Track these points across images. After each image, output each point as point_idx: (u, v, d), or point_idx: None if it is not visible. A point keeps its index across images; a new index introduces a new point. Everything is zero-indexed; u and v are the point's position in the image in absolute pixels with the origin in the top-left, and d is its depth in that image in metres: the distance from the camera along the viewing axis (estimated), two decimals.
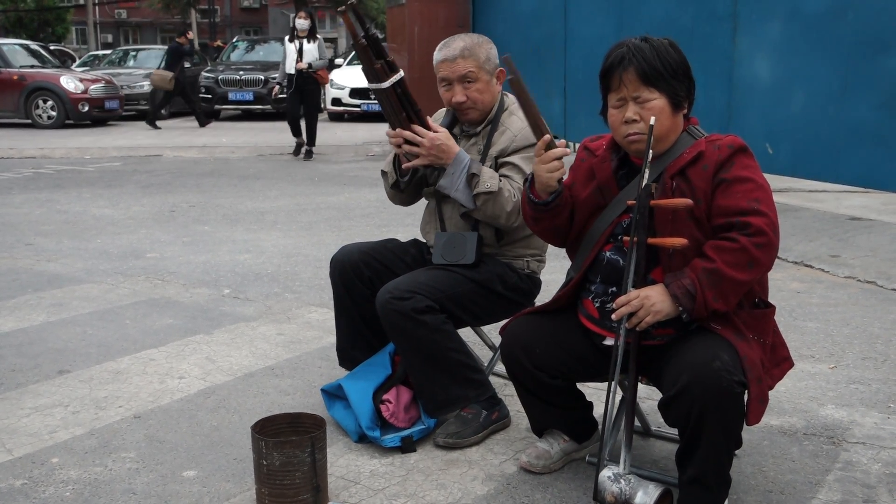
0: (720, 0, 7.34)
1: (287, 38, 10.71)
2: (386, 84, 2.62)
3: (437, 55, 2.81)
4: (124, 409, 3.00)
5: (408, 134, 2.68)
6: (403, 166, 2.79)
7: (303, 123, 10.89)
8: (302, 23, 10.45)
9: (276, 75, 10.82)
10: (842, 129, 6.39)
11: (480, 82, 2.78)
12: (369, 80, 2.66)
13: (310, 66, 10.34)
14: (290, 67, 10.43)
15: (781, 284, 4.54)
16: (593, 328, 2.31)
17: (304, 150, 10.93)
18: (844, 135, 6.38)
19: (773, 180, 5.05)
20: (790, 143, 6.87)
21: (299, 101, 10.67)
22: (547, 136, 2.25)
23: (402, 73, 2.65)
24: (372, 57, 2.60)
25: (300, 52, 10.37)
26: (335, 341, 3.05)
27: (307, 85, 10.50)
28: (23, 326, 3.93)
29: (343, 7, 2.56)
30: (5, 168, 9.97)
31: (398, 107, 2.68)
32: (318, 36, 10.73)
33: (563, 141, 2.29)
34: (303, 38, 10.43)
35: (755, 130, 6.99)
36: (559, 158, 2.25)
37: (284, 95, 10.74)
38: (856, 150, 6.29)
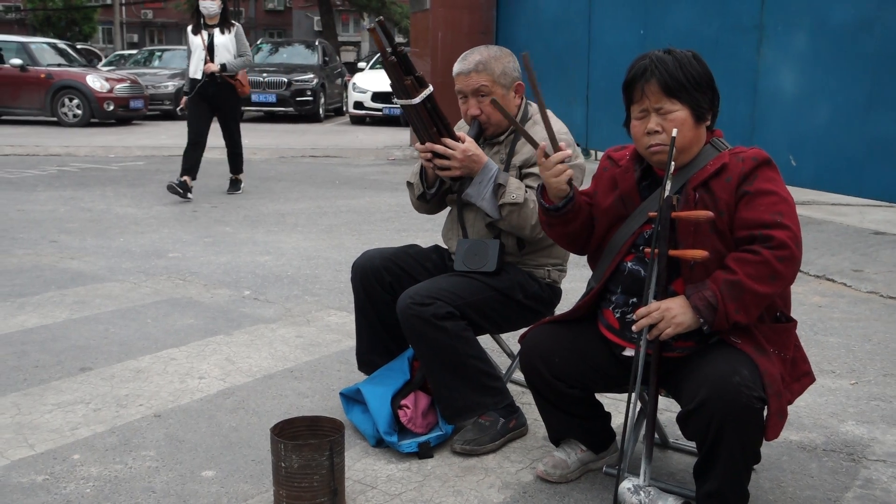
0: (746, 11, 7.32)
1: (190, 28, 7.55)
2: (417, 100, 2.63)
3: (455, 68, 2.83)
4: (145, 407, 3.03)
5: (439, 148, 2.69)
6: (440, 175, 2.79)
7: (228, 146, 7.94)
8: (210, 6, 7.33)
9: (186, 82, 7.69)
10: (866, 143, 6.35)
11: (495, 96, 2.78)
12: (398, 96, 2.66)
13: (224, 67, 7.32)
14: (196, 70, 7.40)
15: (803, 298, 4.51)
16: (613, 339, 2.31)
17: (230, 179, 8.07)
18: (869, 148, 6.34)
19: (796, 193, 5.02)
20: (814, 155, 6.83)
21: (207, 117, 7.53)
22: (542, 144, 2.26)
23: (431, 87, 2.67)
24: (401, 73, 2.61)
25: (210, 47, 7.36)
26: (354, 345, 3.06)
27: (221, 94, 7.43)
28: (46, 323, 3.97)
29: (371, 25, 2.58)
30: (31, 165, 10.08)
31: (428, 121, 2.69)
32: (236, 23, 7.58)
33: (563, 143, 2.29)
34: (213, 26, 7.40)
35: (779, 142, 6.96)
36: (562, 161, 2.26)
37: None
38: (880, 164, 6.25)
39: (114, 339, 3.77)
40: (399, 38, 42.60)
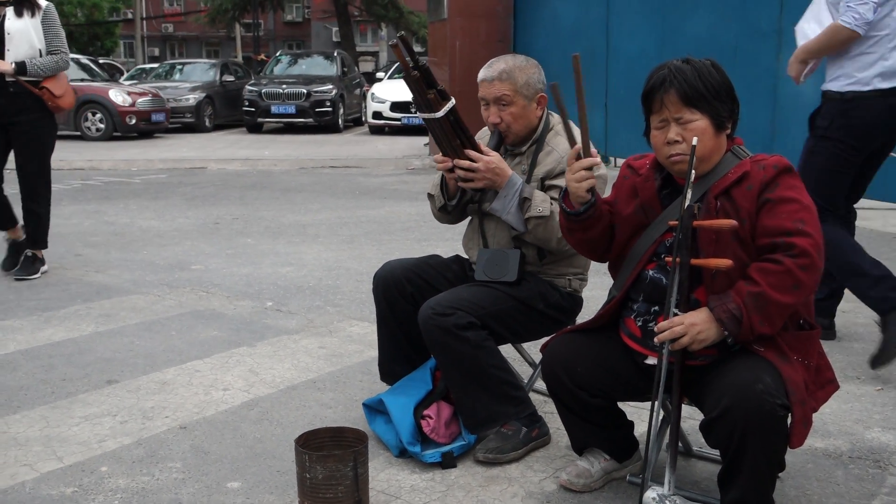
0: (765, 16, 7.29)
1: None
2: (440, 113, 2.64)
3: (480, 73, 2.85)
4: (170, 419, 3.06)
5: (464, 163, 2.70)
6: (463, 186, 2.80)
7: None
8: None
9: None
10: None
11: (515, 106, 2.79)
12: (421, 110, 2.67)
13: (22, 68, 4.77)
14: None
15: None
16: (635, 347, 2.31)
17: (25, 252, 5.21)
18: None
19: None
20: None
21: (3, 148, 4.98)
22: (576, 146, 2.27)
23: (453, 100, 2.68)
24: (424, 87, 2.63)
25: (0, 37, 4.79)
26: (377, 356, 3.08)
27: (15, 110, 4.86)
28: (72, 336, 4.02)
29: (393, 41, 2.59)
30: (55, 179, 10.09)
31: (451, 134, 2.69)
32: (44, 2, 4.93)
33: (594, 150, 2.30)
34: (4, 4, 4.79)
35: (799, 148, 6.90)
36: (589, 168, 2.27)
37: None
38: None
39: (139, 351, 3.81)
40: (417, 48, 42.82)
